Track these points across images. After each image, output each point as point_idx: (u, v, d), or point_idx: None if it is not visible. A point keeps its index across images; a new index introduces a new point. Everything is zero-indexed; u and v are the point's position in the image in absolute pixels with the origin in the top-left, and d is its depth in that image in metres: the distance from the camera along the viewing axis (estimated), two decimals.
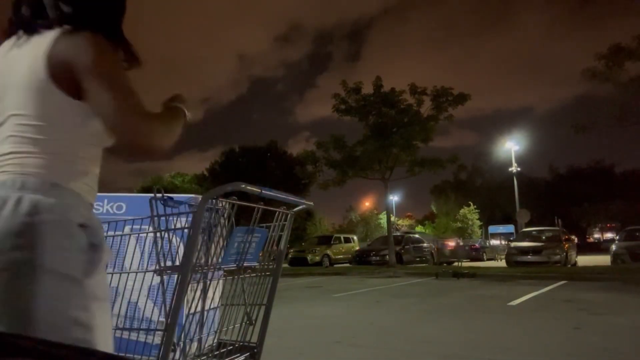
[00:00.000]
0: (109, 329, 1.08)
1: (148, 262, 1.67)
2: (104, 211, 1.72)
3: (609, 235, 43.05)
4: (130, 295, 1.67)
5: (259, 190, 1.36)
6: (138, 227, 1.58)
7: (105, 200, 1.71)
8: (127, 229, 1.62)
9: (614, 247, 15.02)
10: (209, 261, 1.51)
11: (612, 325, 4.62)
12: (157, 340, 1.56)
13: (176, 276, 1.32)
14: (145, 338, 1.66)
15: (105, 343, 1.04)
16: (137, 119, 0.96)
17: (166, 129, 1.03)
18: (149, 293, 1.75)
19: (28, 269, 0.90)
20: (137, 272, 1.64)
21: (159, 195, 1.41)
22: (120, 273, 1.63)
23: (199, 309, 1.61)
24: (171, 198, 1.44)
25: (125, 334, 1.65)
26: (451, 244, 20.20)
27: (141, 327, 1.65)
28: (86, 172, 1.07)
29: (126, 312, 1.68)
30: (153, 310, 1.66)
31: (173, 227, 1.50)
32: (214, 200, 1.41)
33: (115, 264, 1.66)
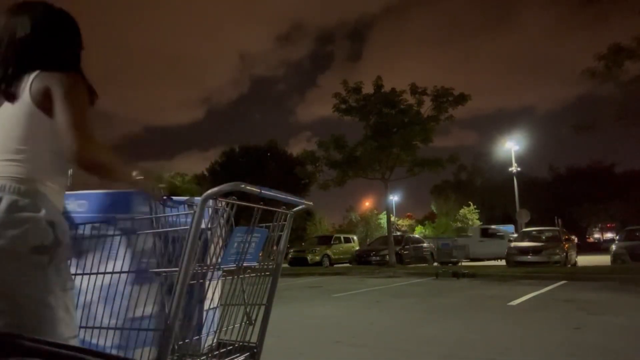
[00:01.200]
0: (71, 311, 1.24)
1: (147, 263, 1.67)
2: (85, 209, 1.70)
3: (609, 235, 43.01)
4: (129, 295, 1.67)
5: (259, 190, 1.36)
6: (133, 227, 1.58)
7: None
8: (119, 229, 1.61)
9: (614, 247, 15.03)
10: (209, 261, 1.51)
11: (612, 325, 4.62)
12: (155, 340, 1.56)
13: (176, 276, 1.32)
14: (145, 338, 1.66)
15: (65, 322, 1.19)
16: (82, 136, 1.18)
17: (102, 153, 1.22)
18: (148, 293, 1.74)
19: (4, 254, 1.09)
20: (135, 272, 1.64)
21: None
22: (121, 273, 1.63)
23: (198, 309, 1.61)
24: (171, 198, 1.44)
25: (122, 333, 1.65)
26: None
27: (141, 327, 1.64)
28: (56, 179, 1.27)
29: (119, 311, 1.68)
30: (152, 310, 1.66)
31: (173, 227, 1.50)
32: (213, 201, 1.41)
33: (114, 265, 1.66)
